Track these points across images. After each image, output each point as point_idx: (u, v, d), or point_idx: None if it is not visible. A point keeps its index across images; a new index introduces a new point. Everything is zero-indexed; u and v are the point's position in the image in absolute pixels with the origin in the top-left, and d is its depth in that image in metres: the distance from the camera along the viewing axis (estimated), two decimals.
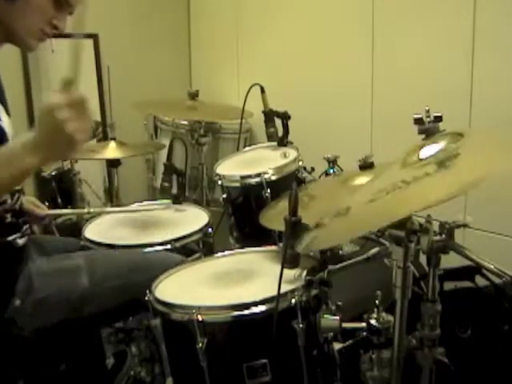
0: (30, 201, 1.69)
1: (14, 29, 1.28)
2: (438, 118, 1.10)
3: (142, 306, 1.30)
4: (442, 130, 1.10)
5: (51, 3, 1.28)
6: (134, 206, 2.02)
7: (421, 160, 1.07)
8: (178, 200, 1.99)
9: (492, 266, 1.03)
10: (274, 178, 1.89)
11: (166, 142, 2.66)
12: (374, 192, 1.06)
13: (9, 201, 1.37)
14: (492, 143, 1.06)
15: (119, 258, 1.56)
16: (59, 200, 2.85)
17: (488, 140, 1.09)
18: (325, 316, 1.22)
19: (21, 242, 1.41)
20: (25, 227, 1.43)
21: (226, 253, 1.56)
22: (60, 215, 2.11)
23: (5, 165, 1.09)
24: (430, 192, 0.97)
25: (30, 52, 1.33)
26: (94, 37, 3.01)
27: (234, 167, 2.09)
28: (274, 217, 1.58)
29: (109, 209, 1.95)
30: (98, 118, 3.10)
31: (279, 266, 1.16)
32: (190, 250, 1.73)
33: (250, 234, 1.95)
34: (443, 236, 1.05)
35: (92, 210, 1.92)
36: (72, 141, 1.06)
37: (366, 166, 1.59)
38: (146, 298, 1.29)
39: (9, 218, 1.38)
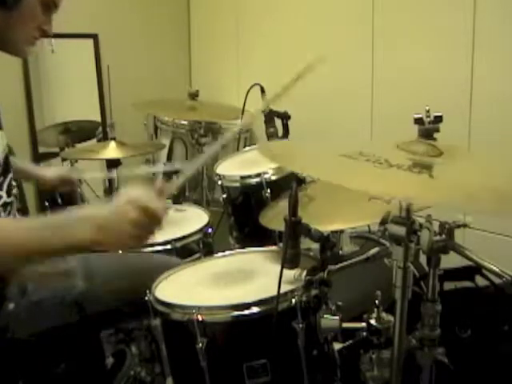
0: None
1: (9, 37, 1.27)
2: (438, 118, 1.10)
3: (141, 309, 1.30)
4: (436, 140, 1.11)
5: (41, 9, 1.28)
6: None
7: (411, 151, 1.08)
8: (177, 200, 1.99)
9: (492, 266, 1.03)
10: (273, 178, 1.89)
11: (166, 142, 2.67)
12: (355, 152, 1.07)
13: (2, 214, 1.33)
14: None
15: (116, 261, 1.55)
16: (59, 200, 2.85)
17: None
18: (325, 316, 1.22)
19: None
20: None
21: (226, 253, 1.56)
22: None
23: (53, 234, 1.07)
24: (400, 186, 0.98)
25: (22, 58, 1.33)
26: (93, 37, 3.01)
27: (234, 167, 2.09)
28: (274, 217, 1.58)
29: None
30: (98, 118, 3.10)
31: (279, 266, 1.16)
32: (190, 250, 1.73)
33: (250, 233, 1.95)
34: (443, 236, 1.05)
35: None
36: (127, 242, 1.09)
37: None
38: (146, 298, 1.29)
39: None
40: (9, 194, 1.33)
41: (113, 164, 2.46)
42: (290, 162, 1.23)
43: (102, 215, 1.09)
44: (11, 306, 1.33)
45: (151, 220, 1.10)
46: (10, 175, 1.35)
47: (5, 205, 1.32)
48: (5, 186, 1.31)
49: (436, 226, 1.06)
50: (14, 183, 1.36)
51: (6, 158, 1.33)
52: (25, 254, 1.08)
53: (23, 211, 2.27)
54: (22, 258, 1.09)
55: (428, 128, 1.10)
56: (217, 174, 2.02)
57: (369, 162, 1.03)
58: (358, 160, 1.04)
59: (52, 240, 1.07)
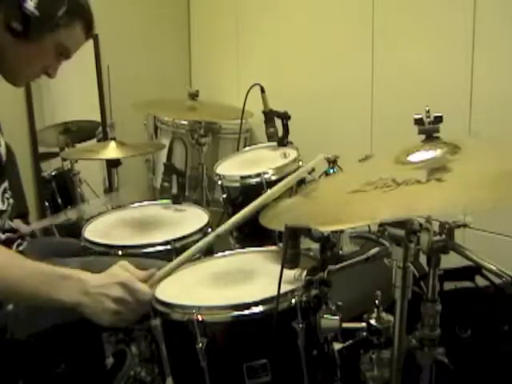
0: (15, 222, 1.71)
1: (14, 67, 1.29)
2: (438, 119, 1.10)
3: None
4: (441, 137, 1.11)
5: (54, 53, 1.31)
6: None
7: (412, 163, 1.08)
8: (177, 200, 1.99)
9: (492, 266, 1.03)
10: (273, 178, 1.89)
11: (166, 142, 2.66)
12: (362, 183, 1.07)
13: None
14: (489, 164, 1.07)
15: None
16: (59, 200, 2.86)
17: (486, 158, 1.10)
18: (325, 316, 1.22)
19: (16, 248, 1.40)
20: (16, 243, 1.42)
21: (226, 253, 1.55)
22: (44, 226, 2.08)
23: (43, 287, 1.15)
24: (414, 201, 0.98)
25: (15, 87, 1.35)
26: (93, 37, 3.01)
27: (234, 167, 2.09)
28: (274, 217, 1.58)
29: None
30: (98, 118, 3.10)
31: (279, 266, 1.16)
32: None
33: (250, 233, 1.95)
34: (443, 236, 1.05)
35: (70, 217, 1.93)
36: (110, 317, 1.16)
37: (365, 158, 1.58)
38: None
39: (0, 235, 1.37)
40: (3, 201, 1.33)
41: (113, 164, 2.47)
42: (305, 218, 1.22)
43: (89, 284, 1.17)
44: (10, 306, 1.33)
45: (134, 300, 1.17)
46: (5, 184, 1.35)
47: (0, 213, 1.33)
48: None
49: (436, 226, 1.06)
50: (7, 194, 1.36)
51: (3, 164, 1.34)
52: (12, 291, 1.16)
53: (24, 212, 2.26)
54: (7, 293, 1.17)
55: (428, 128, 1.10)
56: (217, 174, 2.02)
57: (377, 189, 1.03)
58: (366, 191, 1.05)
59: (38, 294, 1.15)
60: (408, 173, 1.05)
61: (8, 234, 1.39)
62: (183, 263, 1.35)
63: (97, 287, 1.16)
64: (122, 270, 1.22)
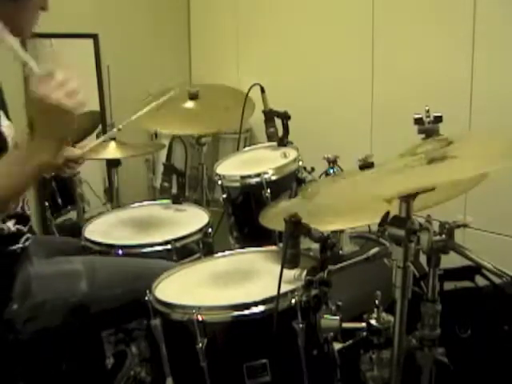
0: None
1: (17, 23, 1.29)
2: (438, 118, 1.10)
3: (142, 311, 1.30)
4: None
5: None
6: None
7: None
8: (177, 200, 1.99)
9: (492, 266, 1.03)
10: (273, 178, 1.89)
11: (166, 142, 2.66)
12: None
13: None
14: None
15: (120, 266, 1.56)
16: (59, 200, 2.85)
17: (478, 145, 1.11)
18: (325, 316, 1.22)
19: (20, 247, 1.40)
20: (24, 237, 1.42)
21: (226, 253, 1.56)
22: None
23: (18, 171, 1.14)
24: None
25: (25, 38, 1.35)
26: (93, 37, 3.01)
27: (234, 167, 2.09)
28: (274, 217, 1.58)
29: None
30: (98, 117, 3.10)
31: (279, 266, 1.16)
32: (190, 250, 1.73)
33: (250, 233, 1.95)
34: (443, 236, 1.05)
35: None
36: (65, 111, 1.09)
37: (365, 165, 1.59)
38: (146, 298, 1.29)
39: (11, 226, 1.37)
40: None
41: (113, 164, 2.47)
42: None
43: (34, 132, 1.14)
44: (15, 306, 1.33)
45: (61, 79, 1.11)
46: None
47: None
48: None
49: (436, 226, 1.06)
50: None
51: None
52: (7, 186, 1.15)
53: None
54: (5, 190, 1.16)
55: (428, 128, 1.10)
56: (217, 174, 2.02)
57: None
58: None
59: (20, 174, 1.15)
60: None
61: (18, 226, 1.39)
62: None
63: (38, 123, 1.13)
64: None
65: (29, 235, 1.42)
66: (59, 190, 2.86)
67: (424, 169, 1.01)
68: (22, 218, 1.40)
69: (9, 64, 1.36)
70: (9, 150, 1.31)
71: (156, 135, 2.83)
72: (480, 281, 1.64)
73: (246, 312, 1.20)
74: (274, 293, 1.15)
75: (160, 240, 1.68)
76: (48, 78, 1.12)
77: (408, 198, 1.02)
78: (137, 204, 2.07)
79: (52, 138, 1.15)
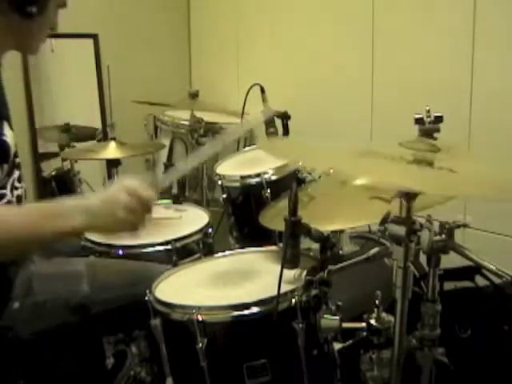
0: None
1: (28, 42, 1.32)
2: (439, 118, 1.10)
3: (142, 313, 1.30)
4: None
5: (55, 12, 1.32)
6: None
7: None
8: (178, 200, 1.99)
9: (492, 266, 1.03)
10: (273, 178, 1.89)
11: (166, 142, 2.66)
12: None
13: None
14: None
15: (120, 267, 1.56)
16: None
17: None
18: (325, 316, 1.22)
19: None
20: None
21: (226, 253, 1.56)
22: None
23: (49, 221, 1.13)
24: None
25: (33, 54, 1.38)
26: (93, 37, 3.01)
27: (234, 167, 2.09)
28: (274, 217, 1.58)
29: None
30: (98, 118, 3.10)
31: (279, 266, 1.16)
32: (190, 250, 1.73)
33: (250, 233, 1.95)
34: (443, 236, 1.05)
35: None
36: (122, 227, 1.15)
37: None
38: (146, 298, 1.29)
39: None
40: (12, 193, 1.34)
41: (113, 164, 2.46)
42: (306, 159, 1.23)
43: (94, 203, 1.15)
44: (16, 305, 1.34)
45: (142, 206, 1.15)
46: (14, 175, 1.35)
47: (9, 203, 1.33)
48: (9, 186, 1.32)
49: (436, 226, 1.06)
50: (17, 184, 1.37)
51: (14, 157, 1.34)
52: (23, 239, 1.13)
53: None
54: (21, 243, 1.14)
55: (428, 128, 1.10)
56: (217, 174, 2.02)
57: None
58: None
59: (48, 227, 1.13)
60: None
61: None
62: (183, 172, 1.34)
63: (104, 201, 1.15)
64: (127, 180, 1.20)
65: None
66: (59, 190, 2.86)
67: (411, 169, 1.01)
68: None
69: (9, 67, 1.37)
70: (10, 160, 1.32)
71: (156, 135, 2.83)
72: (480, 281, 1.64)
73: (246, 312, 1.20)
74: (274, 293, 1.15)
75: (160, 240, 1.68)
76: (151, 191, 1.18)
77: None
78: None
79: (100, 222, 1.16)
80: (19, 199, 1.38)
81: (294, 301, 1.21)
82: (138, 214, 1.15)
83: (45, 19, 1.29)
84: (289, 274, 1.22)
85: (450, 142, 1.12)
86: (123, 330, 1.65)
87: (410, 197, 1.01)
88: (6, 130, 1.32)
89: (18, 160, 1.37)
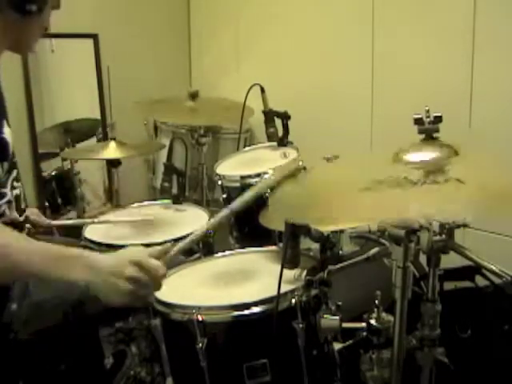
0: (34, 212, 1.69)
1: (23, 40, 1.32)
2: (438, 119, 1.10)
3: (140, 308, 1.30)
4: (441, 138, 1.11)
5: (50, 13, 1.32)
6: (137, 211, 2.01)
7: (410, 163, 1.08)
8: (178, 200, 1.99)
9: (492, 266, 1.03)
10: (273, 177, 1.88)
11: (166, 142, 2.66)
12: (370, 181, 1.06)
13: (7, 211, 1.35)
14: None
15: None
16: (59, 200, 2.85)
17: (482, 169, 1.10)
18: (325, 316, 1.22)
19: None
20: None
21: (226, 253, 1.56)
22: (63, 226, 2.07)
23: (51, 265, 1.12)
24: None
25: (27, 54, 1.38)
26: (93, 37, 3.01)
27: (234, 167, 2.09)
28: (274, 217, 1.58)
29: (114, 218, 1.93)
30: (98, 118, 3.10)
31: (279, 266, 1.16)
32: (190, 250, 1.73)
33: (250, 233, 1.95)
34: (443, 236, 1.05)
35: (96, 220, 1.90)
36: (121, 298, 1.11)
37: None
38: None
39: None
40: (12, 192, 1.34)
41: (113, 164, 2.46)
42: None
43: (100, 264, 1.13)
44: (14, 306, 1.33)
45: (148, 278, 1.12)
46: (13, 174, 1.36)
47: (9, 202, 1.33)
48: (8, 185, 1.33)
49: (436, 226, 1.06)
50: (16, 184, 1.37)
51: (13, 156, 1.34)
52: (23, 274, 1.15)
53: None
54: (19, 276, 1.17)
55: (428, 128, 1.10)
56: (217, 174, 2.02)
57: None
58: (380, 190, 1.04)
59: (49, 271, 1.12)
60: (409, 173, 1.05)
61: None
62: (198, 240, 1.31)
63: (109, 268, 1.12)
64: (134, 250, 1.19)
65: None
66: (59, 190, 2.86)
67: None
68: (15, 225, 1.40)
69: (9, 68, 1.37)
70: (9, 158, 1.32)
71: (156, 135, 2.83)
72: (480, 281, 1.64)
73: (246, 312, 1.20)
74: (274, 293, 1.15)
75: (160, 240, 1.68)
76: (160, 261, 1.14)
77: None
78: (137, 204, 2.06)
79: (100, 284, 1.13)
80: (17, 199, 1.38)
81: (293, 301, 1.21)
82: (142, 285, 1.12)
83: (42, 18, 1.29)
84: (289, 273, 1.22)
85: (451, 143, 1.12)
86: (122, 330, 1.66)
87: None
88: (5, 128, 1.32)
89: (15, 159, 1.37)
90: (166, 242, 1.67)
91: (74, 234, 1.84)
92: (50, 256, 1.13)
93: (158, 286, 1.15)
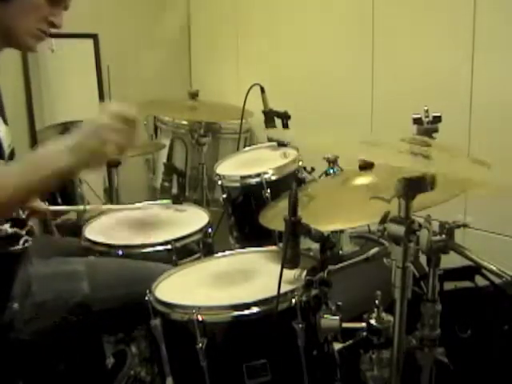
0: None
1: (11, 30, 1.28)
2: (437, 118, 1.10)
3: (142, 312, 1.30)
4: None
5: (46, 0, 1.29)
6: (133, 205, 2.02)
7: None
8: (178, 200, 1.99)
9: (492, 266, 1.03)
10: (273, 177, 1.89)
11: (166, 142, 2.66)
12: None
13: None
14: None
15: (121, 267, 1.55)
16: (59, 200, 2.85)
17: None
18: (325, 316, 1.22)
19: (20, 248, 1.40)
20: (23, 239, 1.42)
21: (226, 253, 1.56)
22: (60, 212, 2.07)
23: (37, 168, 1.12)
24: None
25: (31, 52, 1.36)
26: (93, 37, 3.01)
27: (234, 167, 2.09)
28: (274, 217, 1.58)
29: (105, 206, 1.94)
30: None
31: (279, 266, 1.16)
32: (190, 250, 1.73)
33: (250, 233, 1.95)
34: (443, 236, 1.05)
35: (88, 208, 1.91)
36: (110, 150, 1.12)
37: (365, 166, 1.59)
38: (146, 298, 1.29)
39: (8, 228, 1.37)
40: None
41: (113, 164, 2.46)
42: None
43: (77, 136, 1.13)
44: (15, 305, 1.33)
45: (126, 123, 1.13)
46: None
47: None
48: None
49: (436, 226, 1.06)
50: None
51: (11, 154, 1.34)
52: (16, 191, 1.13)
53: None
54: (15, 195, 1.14)
55: (427, 128, 1.10)
56: (217, 174, 2.02)
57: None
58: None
59: (39, 172, 1.12)
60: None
61: (16, 229, 1.39)
62: None
63: (87, 129, 1.13)
64: (94, 116, 1.18)
65: (27, 238, 1.42)
66: (59, 190, 2.86)
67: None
68: (18, 222, 1.40)
69: (9, 67, 1.37)
70: (5, 155, 1.31)
71: (156, 135, 2.83)
72: (480, 281, 1.64)
73: (246, 312, 1.20)
74: (274, 293, 1.15)
75: (160, 240, 1.68)
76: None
77: None
78: (136, 204, 2.06)
79: (85, 157, 1.14)
80: None
81: (293, 301, 1.21)
82: (124, 134, 1.13)
83: (23, 4, 1.26)
84: (289, 273, 1.22)
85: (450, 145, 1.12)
86: (123, 330, 1.65)
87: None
88: (0, 125, 1.32)
89: (14, 159, 1.37)
90: (166, 242, 1.68)
91: (74, 234, 1.84)
92: (35, 161, 1.15)
93: (137, 132, 1.16)
